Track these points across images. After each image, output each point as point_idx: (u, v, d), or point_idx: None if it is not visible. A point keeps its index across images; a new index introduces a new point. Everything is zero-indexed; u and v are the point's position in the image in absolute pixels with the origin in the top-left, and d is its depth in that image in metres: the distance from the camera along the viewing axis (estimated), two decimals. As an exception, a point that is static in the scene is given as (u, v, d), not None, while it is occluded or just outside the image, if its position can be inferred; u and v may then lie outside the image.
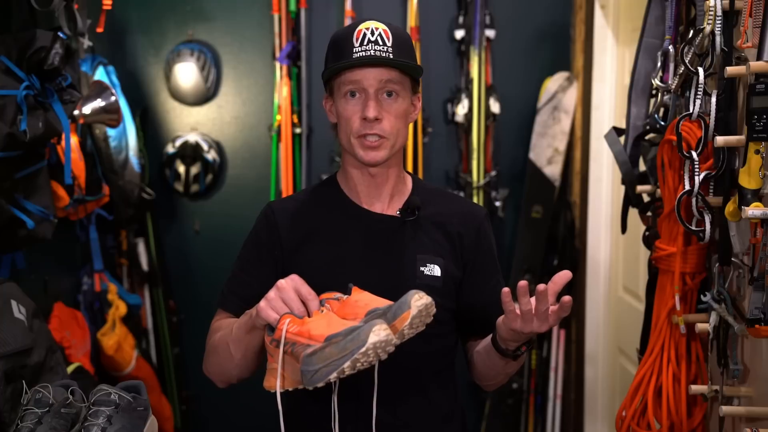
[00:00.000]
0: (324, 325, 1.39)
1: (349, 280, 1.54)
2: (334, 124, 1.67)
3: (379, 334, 1.31)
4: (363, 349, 1.31)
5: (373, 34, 1.58)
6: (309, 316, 1.44)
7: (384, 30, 1.59)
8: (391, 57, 1.57)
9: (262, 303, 1.46)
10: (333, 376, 1.34)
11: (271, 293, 1.46)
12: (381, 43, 1.57)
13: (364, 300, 1.45)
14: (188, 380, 3.56)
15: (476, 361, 1.70)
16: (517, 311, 1.44)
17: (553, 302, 1.43)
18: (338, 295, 1.49)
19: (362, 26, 1.59)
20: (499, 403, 3.45)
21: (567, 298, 1.41)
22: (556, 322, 1.46)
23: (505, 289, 1.45)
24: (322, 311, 1.44)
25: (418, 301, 1.37)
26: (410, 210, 1.67)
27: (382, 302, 1.43)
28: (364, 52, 1.56)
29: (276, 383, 1.44)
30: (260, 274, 1.66)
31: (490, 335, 1.60)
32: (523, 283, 1.42)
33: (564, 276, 1.42)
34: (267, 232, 1.69)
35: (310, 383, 1.36)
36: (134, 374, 2.96)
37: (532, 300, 1.42)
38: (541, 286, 1.41)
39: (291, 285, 1.46)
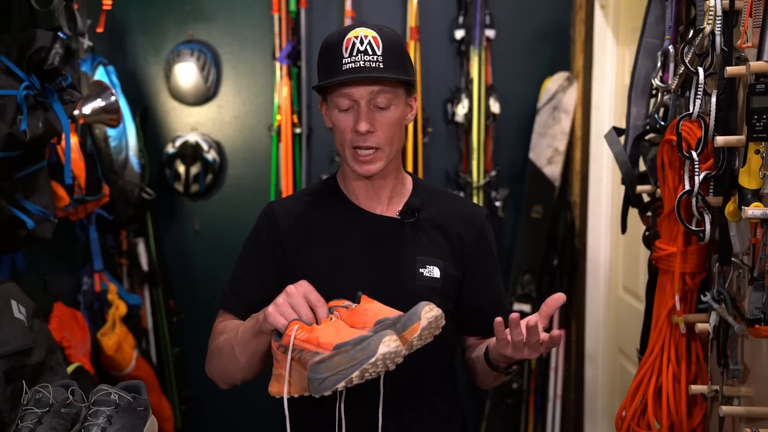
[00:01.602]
0: (333, 333, 1.38)
1: (349, 281, 1.54)
2: (331, 128, 1.67)
3: (389, 345, 1.31)
4: (372, 360, 1.30)
5: (362, 43, 1.55)
6: (317, 322, 1.43)
7: (374, 38, 1.56)
8: (382, 67, 1.55)
9: (270, 308, 1.44)
10: (341, 386, 1.33)
11: (280, 298, 1.45)
12: (371, 52, 1.54)
13: (373, 309, 1.44)
14: (188, 380, 3.56)
15: (471, 366, 1.71)
16: (509, 339, 1.46)
17: (546, 324, 1.45)
18: (347, 303, 1.48)
19: (351, 34, 1.56)
20: (499, 403, 3.45)
21: (557, 332, 1.44)
22: (547, 351, 1.49)
23: (498, 319, 1.46)
24: (331, 319, 1.43)
25: (429, 313, 1.37)
26: (410, 212, 1.67)
27: (392, 312, 1.43)
28: (353, 64, 1.54)
29: (282, 389, 1.43)
30: (261, 275, 1.66)
31: (485, 345, 1.61)
32: (514, 315, 1.43)
33: (557, 299, 1.44)
34: (267, 232, 1.69)
35: (317, 391, 1.35)
36: (134, 374, 2.96)
37: (524, 329, 1.44)
38: (531, 320, 1.43)
39: (300, 291, 1.45)
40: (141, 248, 3.40)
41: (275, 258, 1.67)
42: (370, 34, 1.56)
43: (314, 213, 1.70)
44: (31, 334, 1.83)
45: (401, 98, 1.61)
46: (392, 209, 1.68)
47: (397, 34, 1.62)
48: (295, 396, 1.44)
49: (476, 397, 3.51)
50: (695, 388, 1.83)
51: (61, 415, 1.53)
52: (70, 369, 2.32)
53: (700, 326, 1.80)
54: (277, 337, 1.44)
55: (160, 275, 3.47)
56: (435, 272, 1.64)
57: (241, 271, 1.70)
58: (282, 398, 1.44)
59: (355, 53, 1.54)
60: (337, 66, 1.55)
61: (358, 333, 1.37)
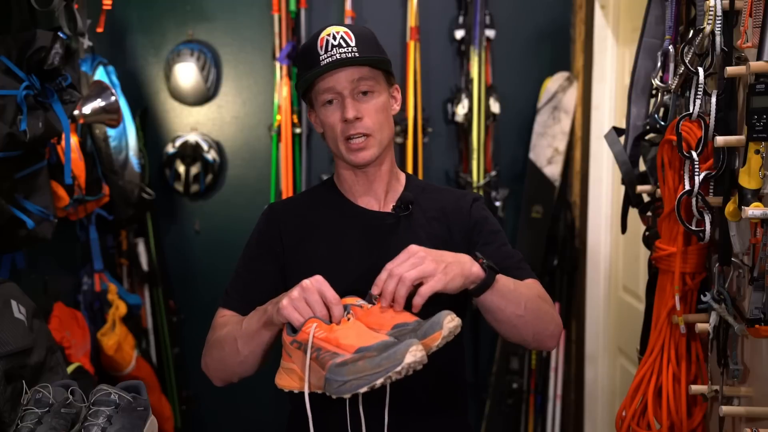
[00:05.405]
0: (354, 336, 1.38)
1: (348, 276, 1.54)
2: (323, 133, 1.70)
3: (416, 355, 1.31)
4: (398, 369, 1.30)
5: (335, 38, 1.61)
6: (331, 320, 1.43)
7: (345, 32, 1.62)
8: (357, 56, 1.60)
9: (285, 301, 1.44)
10: (363, 390, 1.32)
11: (295, 292, 1.44)
12: (344, 45, 1.60)
13: (390, 313, 1.44)
14: (188, 380, 3.56)
15: (490, 322, 1.62)
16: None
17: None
18: (361, 301, 1.48)
19: (324, 33, 1.63)
20: (499, 403, 3.45)
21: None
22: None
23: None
24: (349, 318, 1.43)
25: (450, 322, 1.38)
26: (404, 205, 1.70)
27: (409, 317, 1.43)
28: (330, 58, 1.60)
29: (291, 383, 1.44)
30: (263, 272, 1.68)
31: None
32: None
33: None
34: (268, 230, 1.72)
35: (336, 393, 1.34)
36: (134, 374, 2.96)
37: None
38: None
39: (316, 286, 1.45)
40: (141, 248, 3.40)
41: (277, 255, 1.69)
42: (341, 30, 1.63)
43: (313, 211, 1.74)
44: (31, 334, 1.83)
45: (383, 85, 1.66)
46: (388, 204, 1.72)
47: (367, 29, 1.68)
48: (298, 391, 1.43)
49: (476, 397, 3.51)
50: (695, 388, 1.83)
51: (61, 415, 1.52)
52: (70, 369, 2.32)
53: (700, 326, 1.80)
54: (291, 331, 1.43)
55: (160, 275, 3.47)
56: None
57: (243, 270, 1.71)
58: (290, 391, 1.45)
59: (329, 48, 1.61)
60: (315, 63, 1.61)
61: (378, 337, 1.37)
